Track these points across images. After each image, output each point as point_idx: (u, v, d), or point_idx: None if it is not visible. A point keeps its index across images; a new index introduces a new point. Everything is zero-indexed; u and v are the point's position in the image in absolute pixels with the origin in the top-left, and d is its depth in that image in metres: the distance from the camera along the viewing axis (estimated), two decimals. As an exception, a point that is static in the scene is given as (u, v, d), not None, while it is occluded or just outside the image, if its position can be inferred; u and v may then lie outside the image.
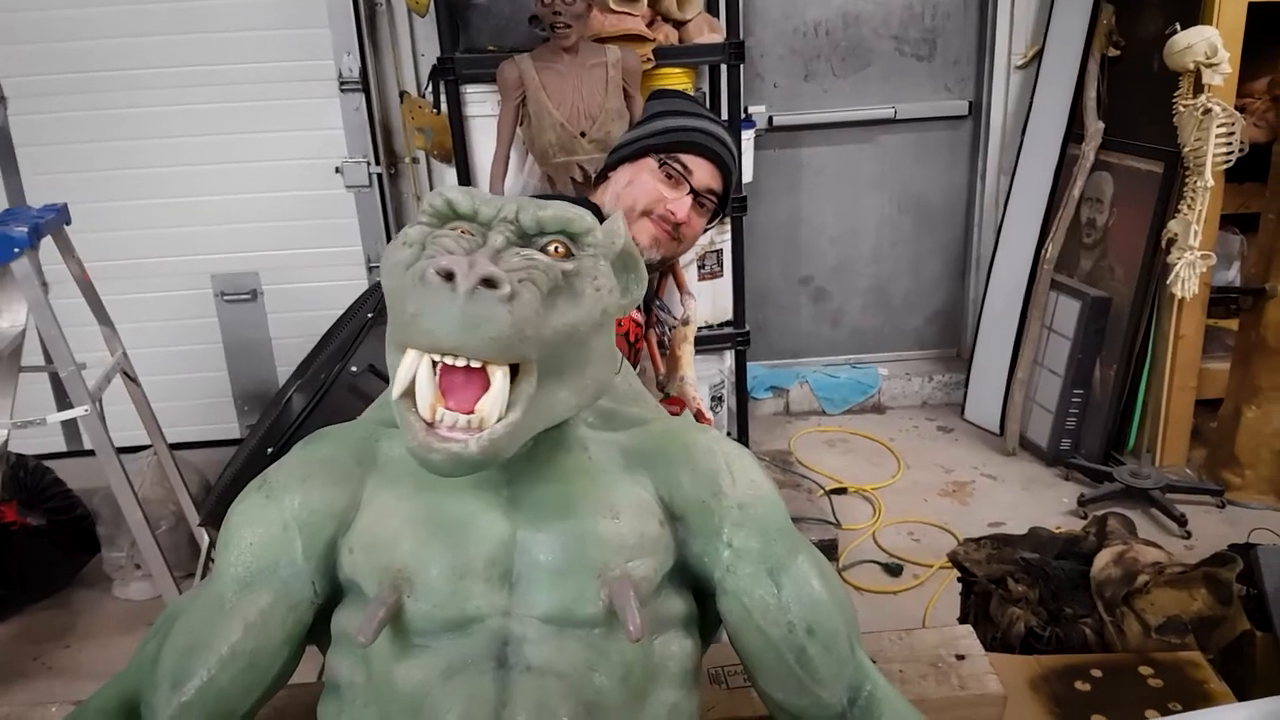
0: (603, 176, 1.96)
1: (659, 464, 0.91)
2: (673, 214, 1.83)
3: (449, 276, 0.71)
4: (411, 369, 0.76)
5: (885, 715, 0.92)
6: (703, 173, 1.86)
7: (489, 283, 0.71)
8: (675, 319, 2.11)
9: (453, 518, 0.85)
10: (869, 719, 0.92)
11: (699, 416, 1.93)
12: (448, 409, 0.76)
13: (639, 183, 1.86)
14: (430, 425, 0.76)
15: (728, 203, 1.96)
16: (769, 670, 0.90)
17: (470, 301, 0.71)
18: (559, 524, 0.85)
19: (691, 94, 2.44)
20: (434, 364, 0.76)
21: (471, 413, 0.75)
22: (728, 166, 1.90)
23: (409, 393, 0.76)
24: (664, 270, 2.14)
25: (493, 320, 0.71)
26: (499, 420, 0.75)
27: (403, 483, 0.88)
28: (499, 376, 0.74)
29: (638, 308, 1.90)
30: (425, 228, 0.83)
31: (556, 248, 0.82)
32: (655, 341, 2.06)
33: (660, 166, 1.86)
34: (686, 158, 1.85)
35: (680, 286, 2.17)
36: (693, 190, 1.85)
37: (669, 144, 1.86)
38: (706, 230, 2.00)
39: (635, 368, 1.71)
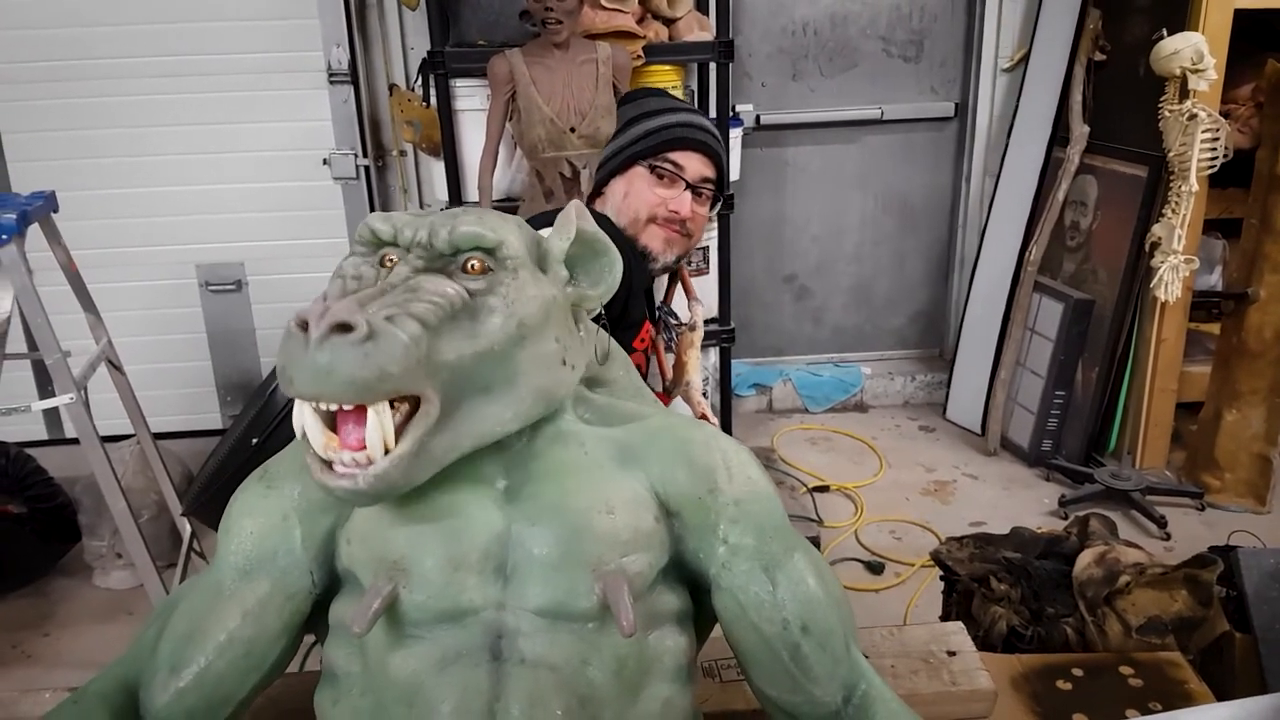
0: (597, 193, 1.97)
1: (655, 459, 0.90)
2: (676, 213, 1.85)
3: (305, 326, 0.71)
4: (300, 415, 0.77)
5: (879, 714, 0.91)
6: (694, 165, 1.87)
7: (344, 327, 0.71)
8: (682, 324, 2.11)
9: (448, 510, 0.85)
10: (863, 718, 0.91)
11: (703, 419, 1.93)
12: (340, 447, 0.76)
13: (635, 192, 1.87)
14: (328, 463, 0.77)
15: (726, 184, 1.96)
16: (763, 667, 0.90)
17: (319, 350, 0.70)
18: (553, 518, 0.85)
19: (663, 89, 2.44)
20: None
21: (363, 448, 0.76)
22: (716, 151, 1.90)
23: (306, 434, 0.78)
24: (672, 276, 2.14)
25: (344, 365, 0.71)
26: (386, 454, 0.75)
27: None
28: (371, 415, 0.74)
29: (647, 318, 1.90)
30: (358, 259, 0.84)
31: (473, 264, 0.82)
32: (663, 347, 2.07)
33: (651, 171, 1.86)
34: (674, 155, 1.86)
35: (688, 292, 2.17)
36: (688, 184, 1.86)
37: (654, 147, 1.87)
38: (711, 216, 2.00)
39: (644, 375, 1.71)
